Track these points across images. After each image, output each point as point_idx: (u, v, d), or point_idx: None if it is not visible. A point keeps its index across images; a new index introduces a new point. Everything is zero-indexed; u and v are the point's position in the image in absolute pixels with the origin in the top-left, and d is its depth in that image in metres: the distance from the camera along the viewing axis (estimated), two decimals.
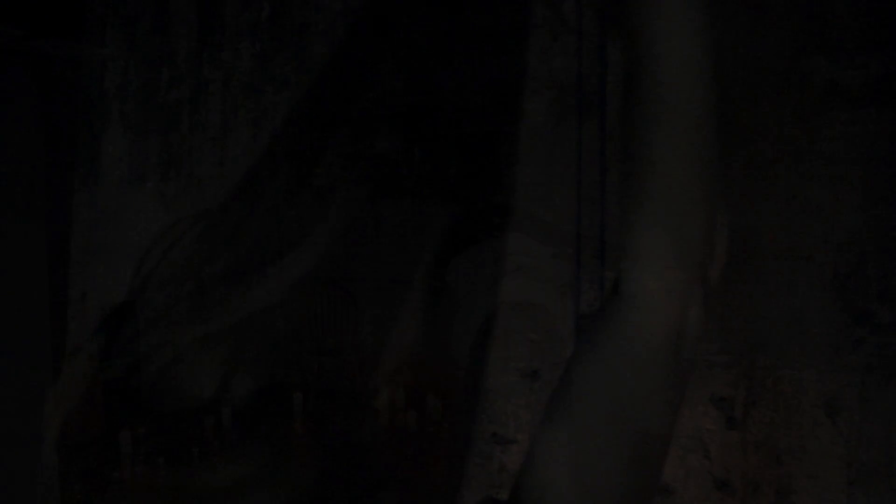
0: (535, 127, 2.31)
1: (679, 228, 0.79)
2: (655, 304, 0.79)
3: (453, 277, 2.15)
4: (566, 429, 0.79)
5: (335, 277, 2.17)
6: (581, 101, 2.20)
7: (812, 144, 2.11)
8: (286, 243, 2.24)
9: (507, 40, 2.30)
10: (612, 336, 0.79)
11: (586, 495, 0.77)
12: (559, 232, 2.20)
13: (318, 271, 2.13)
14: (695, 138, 0.80)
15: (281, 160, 2.42)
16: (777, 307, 2.09)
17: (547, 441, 0.78)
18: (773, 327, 2.09)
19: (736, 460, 2.07)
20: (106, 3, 2.78)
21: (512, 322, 2.21)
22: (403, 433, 1.76)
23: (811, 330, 2.06)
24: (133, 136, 2.72)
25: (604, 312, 0.81)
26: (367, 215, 2.26)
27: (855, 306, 2.05)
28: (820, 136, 2.10)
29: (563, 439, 0.79)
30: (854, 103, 2.08)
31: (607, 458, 0.77)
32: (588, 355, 0.80)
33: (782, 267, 2.09)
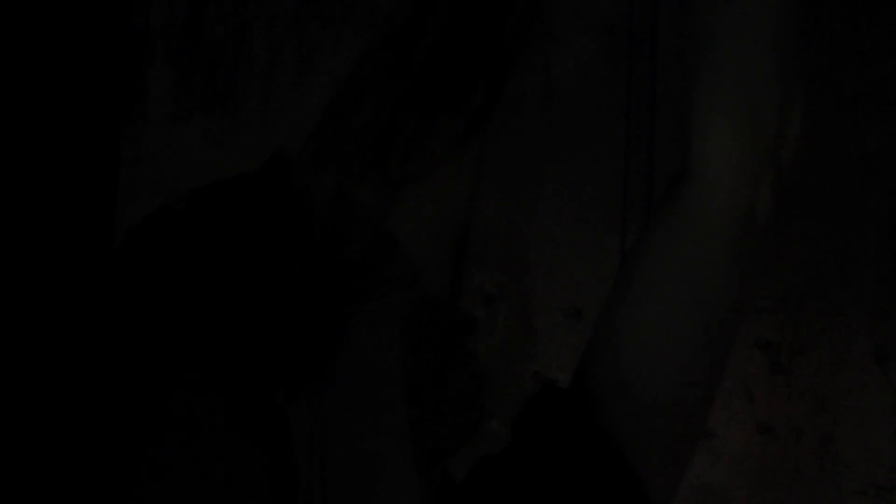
0: (583, 65, 2.27)
1: (751, 106, 0.76)
2: (725, 184, 0.76)
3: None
4: (633, 307, 0.78)
5: None
6: (632, 40, 2.16)
7: (869, 89, 2.05)
8: None
9: None
10: (679, 215, 0.77)
11: (654, 375, 0.76)
12: (606, 171, 2.17)
13: None
14: (770, 8, 0.76)
15: None
16: (827, 253, 2.05)
17: (613, 320, 0.77)
18: (822, 273, 2.05)
19: (780, 406, 2.05)
20: None
21: (555, 260, 2.19)
22: None
23: (861, 277, 2.02)
24: (178, 73, 2.71)
25: (670, 193, 0.79)
26: None
27: None
28: (876, 81, 2.05)
29: (630, 318, 0.78)
30: None
31: (676, 337, 0.76)
32: (655, 234, 0.78)
33: (834, 212, 2.05)
